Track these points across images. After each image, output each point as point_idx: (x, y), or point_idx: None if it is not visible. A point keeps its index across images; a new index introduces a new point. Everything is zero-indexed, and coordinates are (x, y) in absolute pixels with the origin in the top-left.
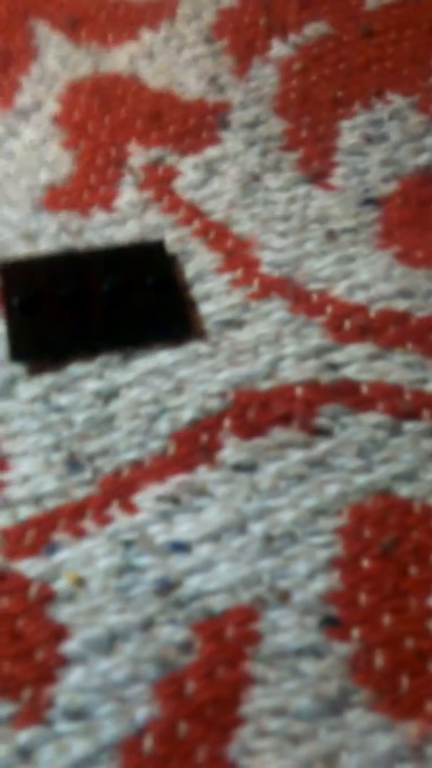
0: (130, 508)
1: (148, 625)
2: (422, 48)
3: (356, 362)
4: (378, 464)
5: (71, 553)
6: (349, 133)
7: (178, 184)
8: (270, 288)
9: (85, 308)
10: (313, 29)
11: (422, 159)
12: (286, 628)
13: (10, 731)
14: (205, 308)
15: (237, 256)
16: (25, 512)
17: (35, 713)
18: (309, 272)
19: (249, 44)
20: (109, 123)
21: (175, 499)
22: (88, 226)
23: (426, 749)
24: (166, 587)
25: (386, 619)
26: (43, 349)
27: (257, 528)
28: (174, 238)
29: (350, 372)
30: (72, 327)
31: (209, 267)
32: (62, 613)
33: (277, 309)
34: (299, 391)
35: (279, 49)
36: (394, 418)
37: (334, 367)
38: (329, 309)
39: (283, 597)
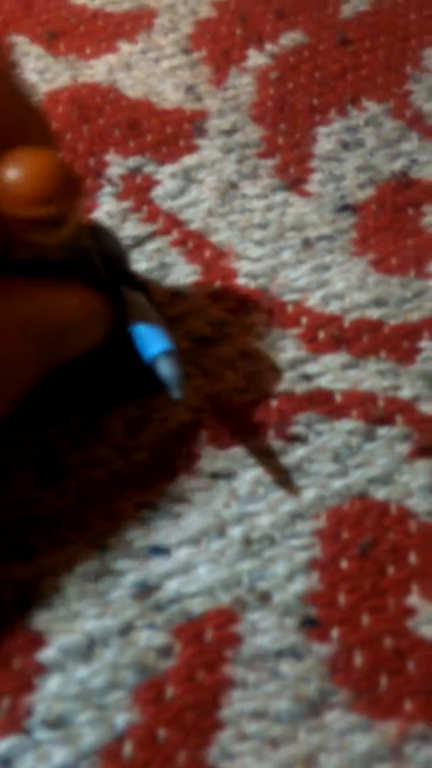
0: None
1: (126, 629)
2: (397, 55)
3: (330, 372)
4: (353, 468)
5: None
6: (326, 139)
7: (157, 193)
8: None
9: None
10: (290, 38)
11: (397, 164)
12: (265, 630)
13: None
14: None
15: (214, 267)
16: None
17: (14, 722)
18: (285, 282)
19: (226, 54)
20: (88, 133)
21: (153, 506)
22: None
23: (404, 749)
24: (144, 590)
25: (365, 619)
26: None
27: (236, 531)
28: (152, 249)
29: (324, 382)
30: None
31: (188, 280)
32: (38, 619)
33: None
34: (274, 402)
35: (256, 58)
36: (368, 424)
37: (308, 377)
38: (304, 320)
39: (263, 598)
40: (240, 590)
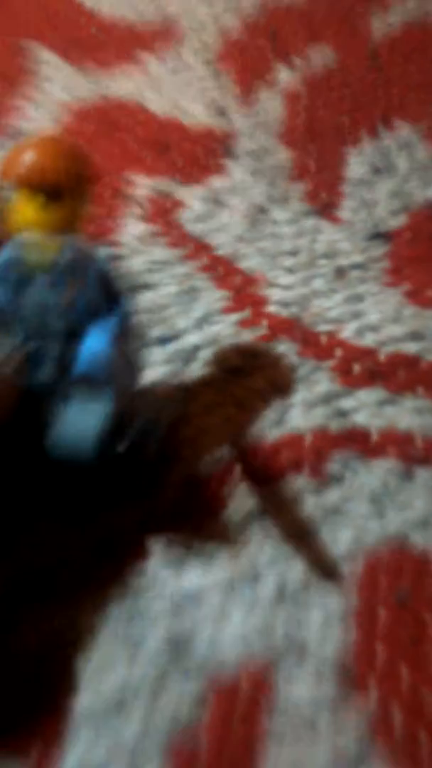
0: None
1: (159, 678)
2: (429, 74)
3: (366, 408)
4: (391, 510)
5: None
6: (356, 162)
7: (185, 216)
8: (278, 330)
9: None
10: (320, 57)
11: None
12: (301, 681)
13: None
14: (214, 353)
15: (245, 294)
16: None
17: None
18: (318, 312)
19: (255, 74)
20: (117, 154)
21: (185, 547)
22: None
23: None
24: (177, 637)
25: (403, 671)
26: None
27: (270, 577)
28: (181, 274)
29: (360, 418)
30: None
31: (217, 306)
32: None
33: (285, 353)
34: (309, 438)
35: (284, 75)
36: (405, 464)
37: (343, 413)
38: (338, 352)
39: (299, 648)
40: (275, 639)
